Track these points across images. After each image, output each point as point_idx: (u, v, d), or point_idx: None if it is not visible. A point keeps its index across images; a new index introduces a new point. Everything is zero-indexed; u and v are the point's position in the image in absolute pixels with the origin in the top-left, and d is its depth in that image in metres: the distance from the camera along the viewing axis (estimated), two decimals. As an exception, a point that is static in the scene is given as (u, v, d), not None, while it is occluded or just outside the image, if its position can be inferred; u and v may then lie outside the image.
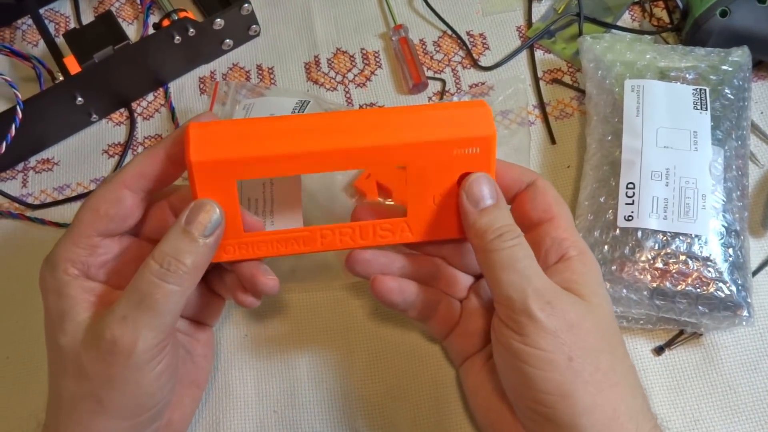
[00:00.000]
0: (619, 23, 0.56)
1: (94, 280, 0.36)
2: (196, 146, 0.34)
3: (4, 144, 0.49)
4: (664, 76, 0.48)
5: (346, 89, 0.56)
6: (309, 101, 0.49)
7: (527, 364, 0.33)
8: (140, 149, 0.55)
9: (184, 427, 0.41)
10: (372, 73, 0.57)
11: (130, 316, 0.33)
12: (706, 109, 0.46)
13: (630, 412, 0.33)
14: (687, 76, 0.48)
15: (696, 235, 0.42)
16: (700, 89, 0.47)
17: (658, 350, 0.44)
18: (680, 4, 0.54)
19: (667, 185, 0.43)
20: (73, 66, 0.53)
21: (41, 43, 0.60)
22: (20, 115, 0.49)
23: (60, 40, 0.56)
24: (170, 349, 0.35)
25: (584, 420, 0.32)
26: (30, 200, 0.54)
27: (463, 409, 0.43)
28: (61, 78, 0.53)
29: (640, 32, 0.55)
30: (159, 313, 0.33)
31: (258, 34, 0.59)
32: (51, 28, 0.60)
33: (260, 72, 0.58)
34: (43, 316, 0.48)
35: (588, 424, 0.32)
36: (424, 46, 0.57)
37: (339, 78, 0.57)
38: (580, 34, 0.55)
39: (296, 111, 0.49)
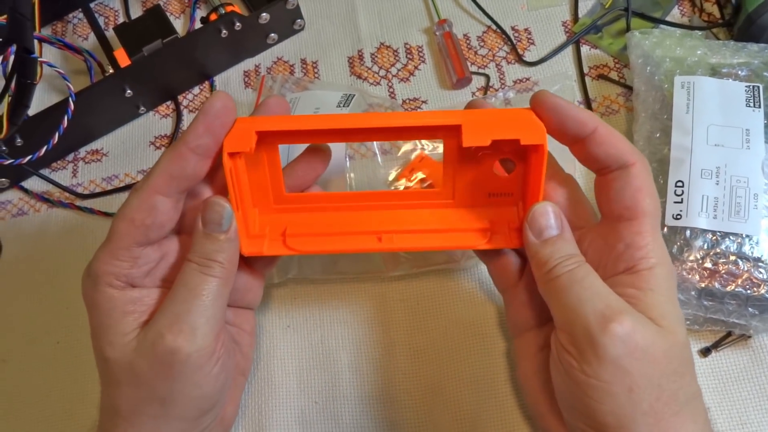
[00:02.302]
0: (667, 18, 0.55)
1: (142, 287, 0.36)
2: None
3: (56, 135, 0.50)
4: (715, 72, 0.47)
5: (390, 84, 0.56)
6: (354, 95, 0.50)
7: (587, 396, 0.31)
8: (186, 141, 0.56)
9: (233, 417, 0.42)
10: (416, 67, 0.57)
11: (181, 316, 0.34)
12: (760, 107, 0.45)
13: None
14: (739, 72, 0.47)
15: (747, 235, 0.41)
16: (753, 86, 0.46)
17: (705, 351, 0.43)
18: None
19: (717, 184, 0.43)
20: (123, 59, 0.54)
21: (91, 36, 0.61)
22: (72, 106, 0.50)
23: (109, 34, 0.57)
24: (224, 344, 0.36)
25: None
26: (80, 190, 0.55)
27: (507, 405, 0.43)
28: (112, 71, 0.54)
29: (690, 28, 0.54)
30: (207, 308, 0.34)
31: (302, 29, 0.59)
32: (101, 21, 0.62)
33: (304, 66, 0.58)
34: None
35: None
36: (468, 41, 0.57)
37: (382, 72, 0.57)
38: (628, 29, 0.54)
39: (341, 104, 0.49)
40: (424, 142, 0.51)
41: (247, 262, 0.40)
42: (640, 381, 0.31)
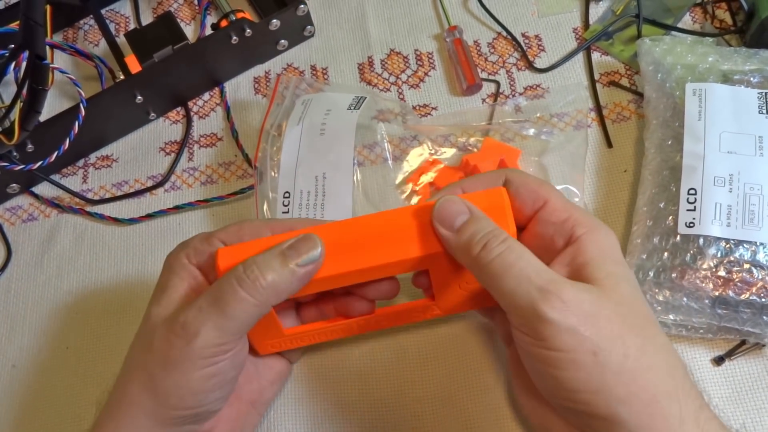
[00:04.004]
0: (679, 25, 0.55)
1: (205, 276, 0.37)
2: (224, 264, 0.36)
3: (67, 141, 0.50)
4: (727, 79, 0.47)
5: (400, 90, 0.56)
6: (365, 97, 0.50)
7: (552, 367, 0.31)
8: (196, 147, 0.56)
9: None
10: (426, 74, 0.56)
11: (203, 309, 0.34)
12: (773, 114, 0.44)
13: (670, 393, 0.31)
14: (751, 79, 0.47)
15: (761, 243, 0.41)
16: (766, 93, 0.45)
17: (718, 360, 0.43)
18: (745, 6, 0.52)
19: (730, 191, 0.42)
20: (133, 65, 0.54)
21: (102, 42, 0.62)
22: (83, 112, 0.51)
23: (120, 40, 0.58)
24: (231, 358, 0.35)
25: (622, 411, 0.31)
26: (90, 195, 0.55)
27: (516, 418, 0.43)
28: (122, 77, 0.54)
29: (702, 34, 0.54)
30: (226, 315, 0.34)
31: (312, 35, 0.59)
32: (112, 28, 0.62)
33: (314, 72, 0.58)
34: (102, 309, 0.50)
35: (627, 415, 0.31)
36: (478, 48, 0.57)
37: (392, 79, 0.57)
38: (639, 36, 0.54)
39: (352, 107, 0.49)
40: (434, 147, 0.51)
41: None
42: (600, 343, 0.31)
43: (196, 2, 0.62)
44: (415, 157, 0.50)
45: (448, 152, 0.51)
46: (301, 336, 0.41)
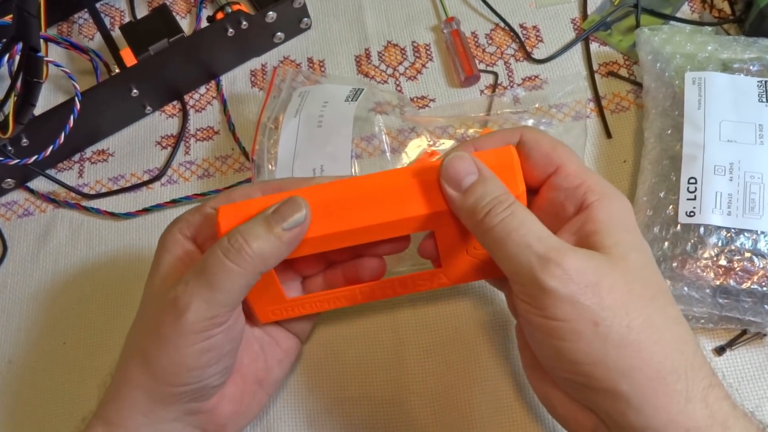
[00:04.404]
0: (677, 15, 0.55)
1: (202, 246, 0.37)
2: (225, 221, 0.35)
3: (63, 135, 0.50)
4: (726, 68, 0.47)
5: (397, 82, 0.56)
6: (362, 89, 0.49)
7: (552, 337, 0.30)
8: (192, 141, 0.56)
9: (231, 417, 0.39)
10: (423, 66, 0.56)
11: (190, 282, 0.34)
12: (773, 102, 0.44)
13: (677, 369, 0.30)
14: (751, 67, 0.46)
15: (762, 232, 0.41)
16: (765, 81, 0.45)
17: (720, 350, 0.43)
18: (743, -5, 0.52)
19: (731, 180, 0.42)
20: (129, 58, 0.53)
21: (97, 36, 0.61)
22: (78, 106, 0.50)
23: (115, 34, 0.57)
24: (225, 332, 0.35)
25: (624, 385, 0.29)
26: (86, 190, 0.55)
27: (518, 407, 0.43)
28: (118, 70, 0.54)
29: (700, 24, 0.53)
30: (214, 287, 0.33)
31: (309, 27, 0.59)
32: (107, 21, 0.61)
33: (311, 65, 0.58)
34: (99, 303, 0.49)
35: (628, 389, 0.29)
36: (476, 39, 0.57)
37: (390, 71, 0.56)
38: (638, 25, 0.54)
39: (350, 99, 0.49)
40: (433, 138, 0.50)
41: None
42: (602, 313, 0.29)
43: (191, -5, 0.62)
44: (414, 149, 0.50)
45: (447, 144, 0.50)
46: (303, 303, 0.40)
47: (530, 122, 0.51)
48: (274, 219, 0.34)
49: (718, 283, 0.40)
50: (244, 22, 0.54)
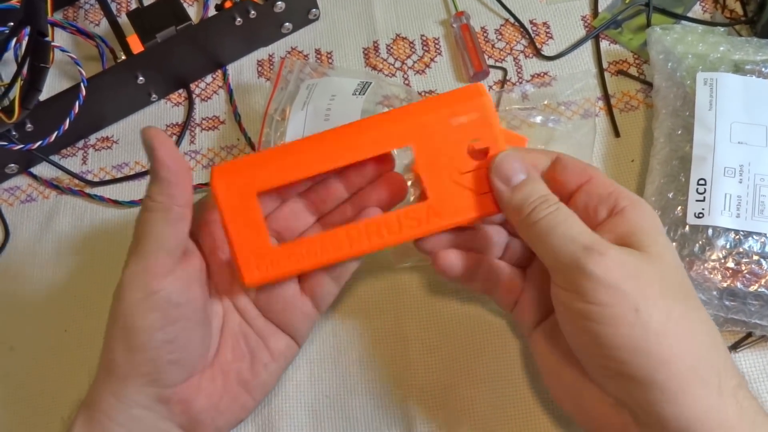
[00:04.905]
0: (689, 14, 0.54)
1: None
2: (218, 174, 0.37)
3: (67, 121, 0.50)
4: (738, 69, 0.46)
5: (405, 76, 0.55)
6: (370, 83, 0.49)
7: (593, 322, 0.31)
8: (198, 130, 0.55)
9: (213, 422, 0.39)
10: (432, 60, 0.56)
11: (131, 248, 0.36)
12: (784, 105, 0.44)
13: (711, 363, 0.31)
14: (763, 69, 0.46)
15: (771, 235, 0.41)
16: (777, 84, 0.45)
17: (724, 353, 0.43)
18: (756, -4, 0.52)
19: (740, 182, 0.42)
20: (135, 45, 0.53)
21: (103, 22, 0.61)
22: (84, 92, 0.50)
23: (122, 20, 0.57)
24: (167, 291, 0.35)
25: (660, 374, 0.30)
26: (89, 177, 0.54)
27: (522, 402, 0.42)
28: (124, 57, 0.53)
29: (712, 24, 0.53)
30: (141, 238, 0.35)
31: (317, 18, 0.59)
32: (113, 7, 0.61)
33: (318, 56, 0.57)
34: (101, 291, 0.49)
35: (665, 378, 0.30)
36: (485, 34, 0.56)
37: (398, 64, 0.56)
38: (649, 24, 0.53)
39: (357, 92, 0.48)
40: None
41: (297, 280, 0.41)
42: (643, 301, 0.31)
43: (199, -17, 0.62)
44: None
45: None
46: (287, 255, 0.38)
47: (539, 119, 0.50)
48: (147, 154, 0.35)
49: (725, 285, 0.40)
50: (253, 12, 0.54)
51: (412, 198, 0.45)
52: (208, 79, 0.58)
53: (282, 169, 0.38)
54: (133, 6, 0.61)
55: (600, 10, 0.56)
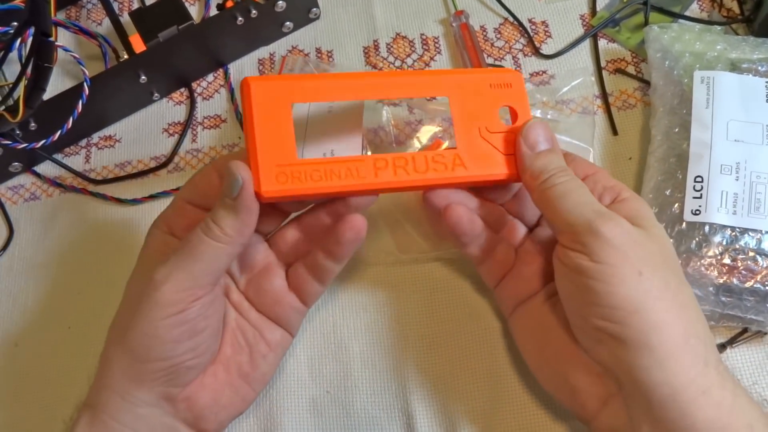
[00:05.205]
0: (687, 13, 0.55)
1: (178, 238, 0.39)
2: (254, 81, 0.36)
3: (70, 120, 0.50)
4: (735, 67, 0.47)
5: (405, 74, 0.56)
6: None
7: (596, 280, 0.33)
8: (199, 129, 0.56)
9: (216, 416, 0.39)
10: (431, 58, 0.56)
11: (171, 258, 0.36)
12: (780, 103, 0.44)
13: (699, 335, 0.33)
14: (759, 68, 0.47)
15: (767, 232, 0.41)
16: (774, 82, 0.45)
17: (720, 348, 0.43)
18: (753, -5, 0.52)
19: (737, 179, 0.42)
20: (138, 45, 0.53)
21: (105, 21, 0.61)
22: (87, 91, 0.50)
23: (124, 19, 0.57)
24: (199, 307, 0.36)
25: (653, 338, 0.32)
26: (92, 176, 0.55)
27: (522, 399, 0.43)
28: (126, 56, 0.54)
29: (709, 23, 0.53)
30: (195, 257, 0.35)
31: (318, 17, 0.59)
32: (115, 7, 0.61)
33: (319, 55, 0.58)
34: (104, 289, 0.50)
35: (657, 343, 0.32)
36: (484, 33, 0.57)
37: (398, 63, 0.56)
38: (646, 23, 0.54)
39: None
40: (441, 130, 0.50)
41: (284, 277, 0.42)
42: (646, 266, 0.33)
43: (200, -18, 0.62)
44: (426, 134, 0.50)
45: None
46: (311, 173, 0.36)
47: (537, 113, 0.51)
48: (224, 194, 0.35)
49: (721, 281, 0.41)
50: (254, 11, 0.54)
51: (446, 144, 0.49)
52: (210, 78, 0.58)
53: (319, 88, 0.38)
54: (135, 5, 0.62)
55: (598, 8, 0.56)
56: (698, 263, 0.41)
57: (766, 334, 0.43)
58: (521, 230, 0.42)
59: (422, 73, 0.41)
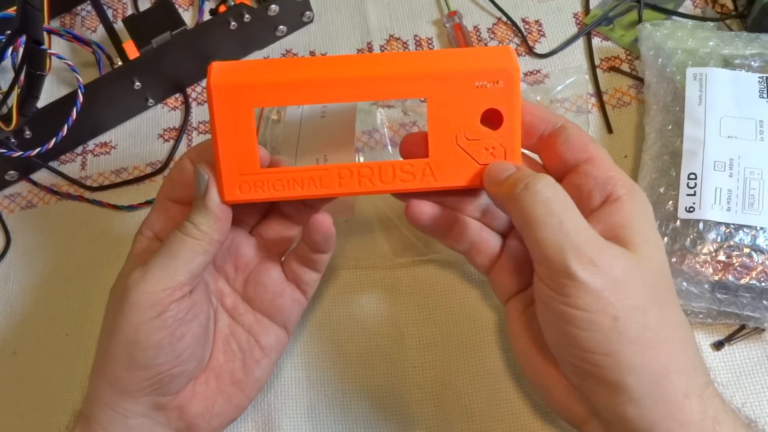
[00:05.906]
0: (680, 10, 0.55)
1: (162, 240, 0.38)
2: (217, 75, 0.35)
3: (65, 127, 0.50)
4: (727, 63, 0.47)
5: (399, 76, 0.56)
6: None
7: (570, 325, 0.31)
8: (195, 134, 0.56)
9: (208, 424, 0.39)
10: (425, 59, 0.56)
11: (149, 261, 0.36)
12: (773, 98, 0.44)
13: (680, 368, 0.32)
14: (752, 63, 0.47)
15: (761, 228, 0.41)
16: (767, 77, 0.45)
17: (718, 345, 0.43)
18: (746, -10, 0.52)
19: (731, 176, 0.42)
20: (131, 51, 0.54)
21: (99, 28, 0.61)
22: (81, 98, 0.50)
23: (118, 26, 0.57)
24: (180, 310, 0.35)
25: (631, 379, 0.31)
26: (88, 182, 0.55)
27: (518, 400, 0.43)
28: (120, 63, 0.54)
29: (703, 19, 0.53)
30: (173, 255, 0.35)
31: (311, 21, 0.59)
32: (109, 13, 0.61)
33: (313, 58, 0.58)
34: (101, 295, 0.50)
35: (635, 383, 0.31)
36: (478, 33, 0.57)
37: (392, 65, 0.56)
38: (640, 20, 0.54)
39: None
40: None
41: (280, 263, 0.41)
42: (623, 310, 0.31)
43: (194, -12, 0.62)
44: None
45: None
46: (275, 179, 0.37)
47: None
48: (195, 194, 0.36)
49: (716, 278, 0.41)
50: (247, 15, 0.54)
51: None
52: (204, 83, 0.58)
53: (287, 89, 0.35)
54: (129, 12, 0.62)
55: (591, 7, 0.56)
56: (693, 260, 0.41)
57: (763, 330, 0.43)
58: (503, 218, 0.40)
59: (401, 60, 0.36)
